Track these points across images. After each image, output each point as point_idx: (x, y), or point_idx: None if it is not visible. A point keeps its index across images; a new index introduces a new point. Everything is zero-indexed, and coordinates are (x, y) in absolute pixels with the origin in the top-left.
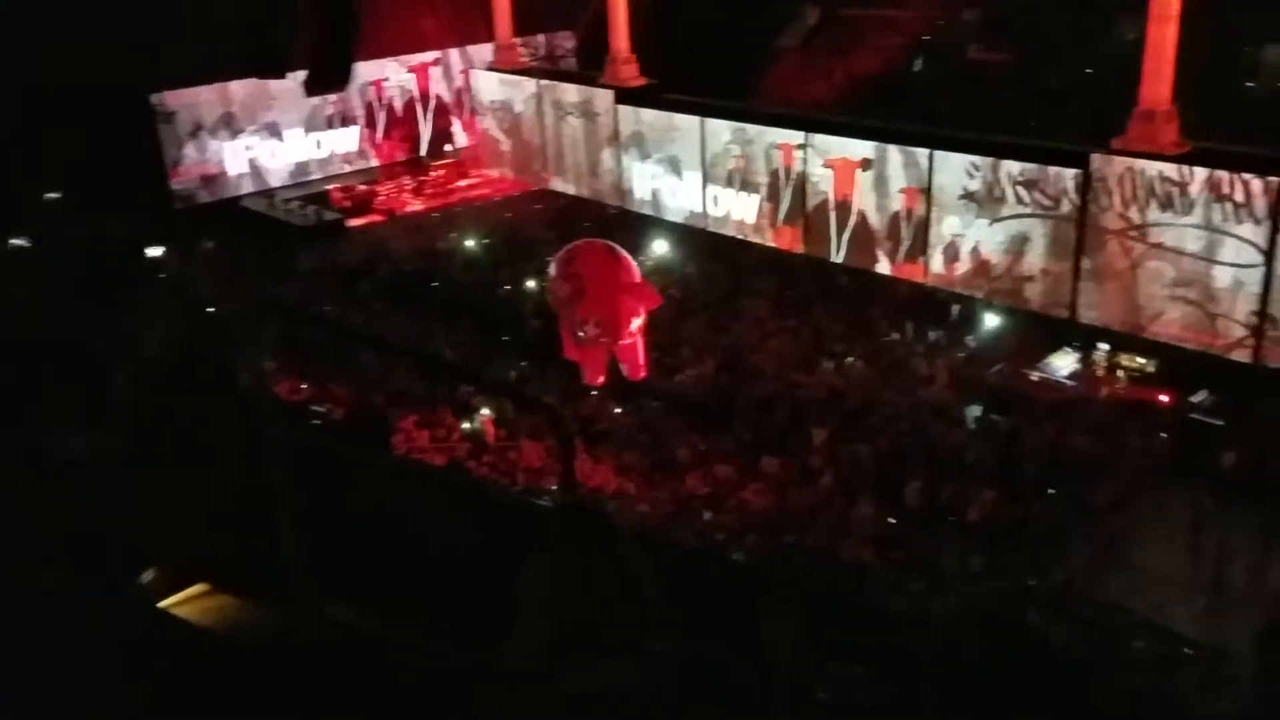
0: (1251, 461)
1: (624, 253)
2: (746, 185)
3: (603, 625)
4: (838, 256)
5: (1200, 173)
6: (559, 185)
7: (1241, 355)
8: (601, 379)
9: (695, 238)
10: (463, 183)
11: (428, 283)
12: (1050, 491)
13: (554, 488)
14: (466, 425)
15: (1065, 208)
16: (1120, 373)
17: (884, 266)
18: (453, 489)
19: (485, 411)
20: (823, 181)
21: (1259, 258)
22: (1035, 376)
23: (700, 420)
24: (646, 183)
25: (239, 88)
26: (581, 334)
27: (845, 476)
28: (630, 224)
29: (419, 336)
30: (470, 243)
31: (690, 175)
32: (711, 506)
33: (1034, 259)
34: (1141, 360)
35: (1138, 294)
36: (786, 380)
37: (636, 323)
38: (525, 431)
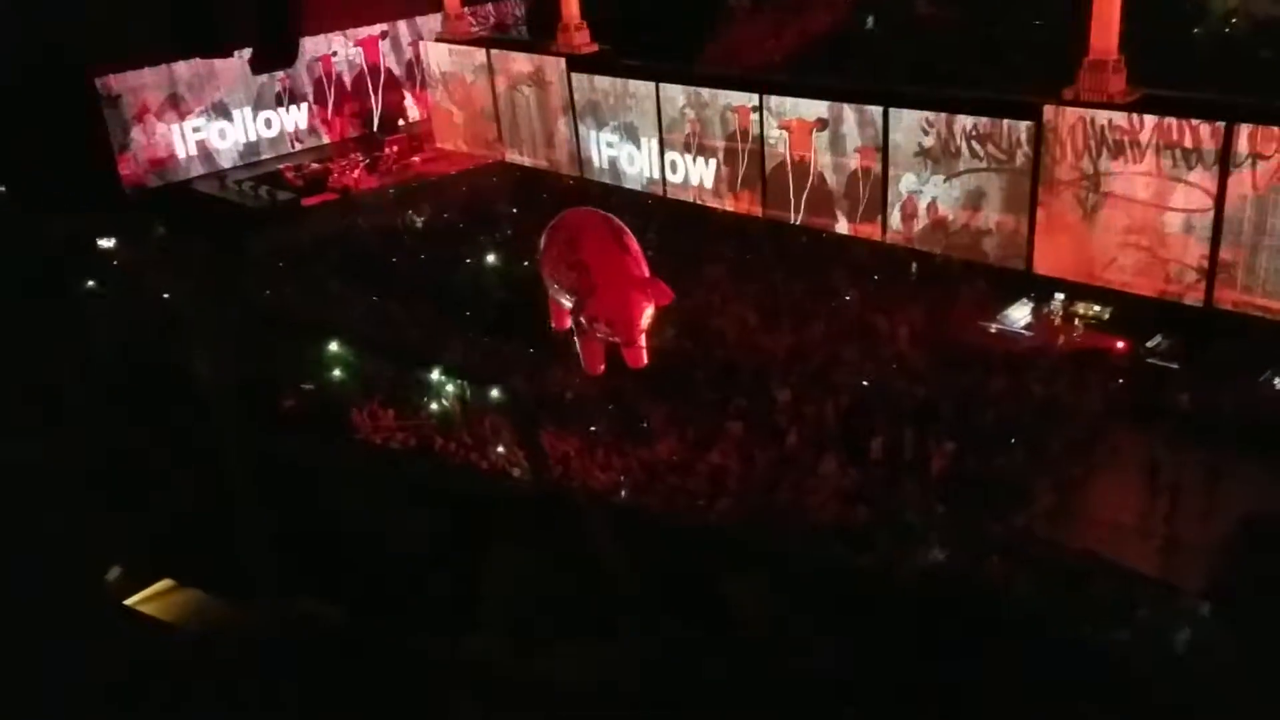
0: (1205, 403)
1: (626, 231)
2: (703, 150)
3: (570, 609)
4: (796, 218)
5: (1150, 120)
6: (515, 157)
7: (1194, 299)
8: (602, 368)
9: (654, 205)
10: (417, 158)
11: (385, 260)
12: (1011, 441)
13: (520, 466)
14: (429, 408)
15: (1019, 160)
16: (1077, 321)
17: (843, 226)
18: (415, 474)
19: (449, 391)
20: (779, 143)
21: (1208, 202)
22: (994, 329)
23: (667, 389)
24: (603, 151)
25: (185, 68)
26: (593, 330)
27: (810, 434)
28: (589, 194)
29: (378, 316)
30: (427, 218)
31: (647, 142)
32: (680, 472)
33: (990, 213)
34: (1097, 308)
35: (1092, 243)
36: (749, 344)
37: (647, 317)
38: (489, 412)
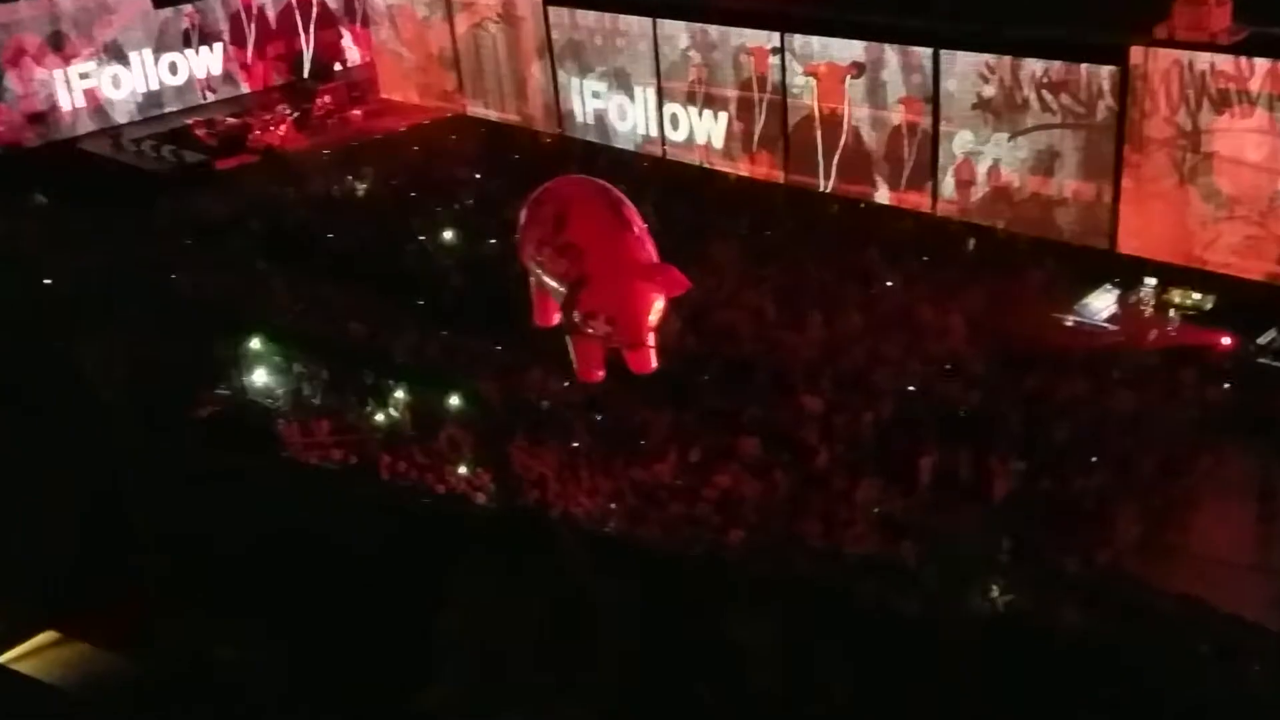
0: None
1: (628, 204)
2: (711, 102)
3: (536, 661)
4: (826, 185)
5: (1261, 65)
6: (478, 110)
7: None
8: (600, 374)
9: (650, 169)
10: (357, 111)
11: (320, 237)
12: (1091, 459)
13: (486, 490)
14: (373, 418)
15: (1100, 114)
16: (1171, 312)
17: (883, 195)
18: (358, 497)
19: (398, 398)
20: (805, 93)
21: None
22: (1069, 321)
23: (667, 395)
24: (588, 103)
25: (69, 1)
26: (588, 329)
27: (844, 452)
28: (570, 155)
29: (311, 304)
30: (370, 185)
31: (642, 92)
32: (682, 499)
33: (1064, 179)
34: (1196, 296)
35: (1189, 217)
36: (768, 340)
37: (656, 313)
38: (450, 421)
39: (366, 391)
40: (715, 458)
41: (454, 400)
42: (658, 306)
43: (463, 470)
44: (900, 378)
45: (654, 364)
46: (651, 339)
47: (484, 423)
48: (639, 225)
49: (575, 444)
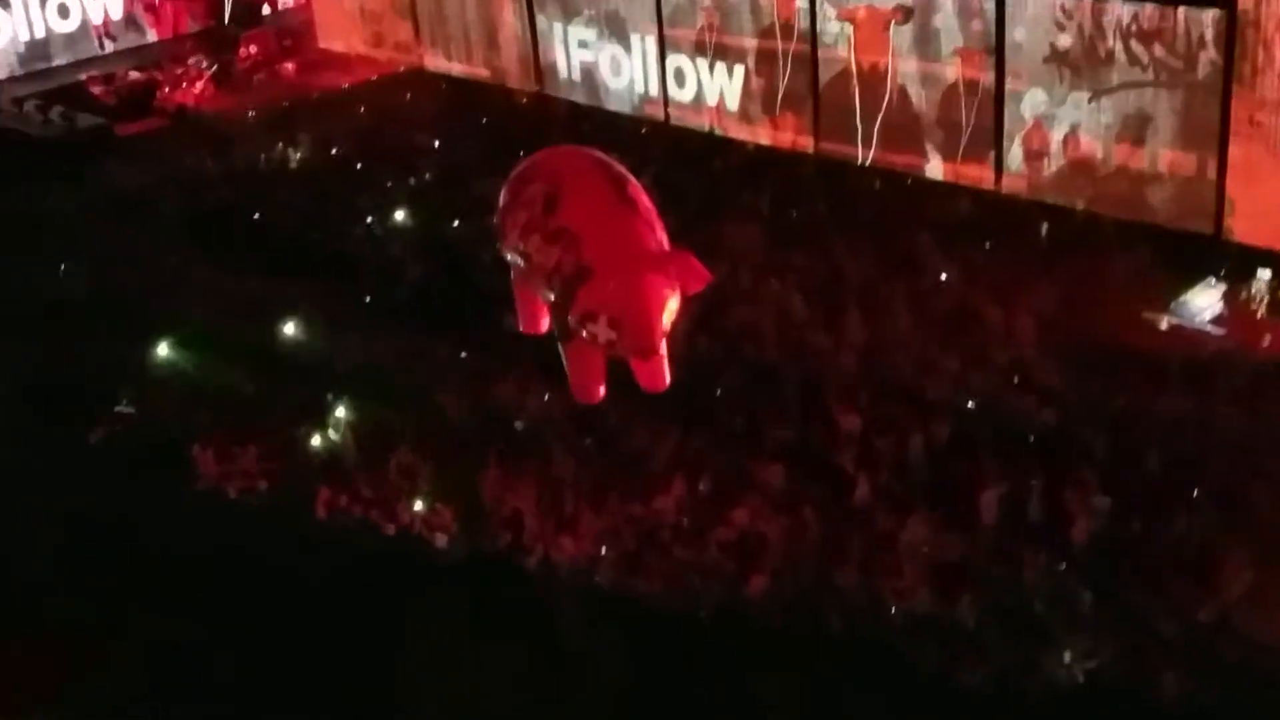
0: None
1: (632, 181)
2: (725, 53)
3: None
4: (865, 156)
5: None
6: (439, 63)
7: None
8: (601, 390)
9: (652, 135)
10: (290, 64)
11: (244, 218)
12: (1193, 493)
13: (446, 533)
14: (309, 441)
15: (1203, 70)
16: None
17: (935, 168)
18: (292, 534)
19: (339, 417)
20: (839, 43)
21: None
22: (1165, 323)
23: (672, 411)
24: (574, 55)
25: None
26: (587, 334)
27: (889, 482)
28: (552, 117)
29: (234, 301)
30: (306, 155)
31: (640, 41)
32: (691, 540)
33: (1159, 148)
34: None
35: None
36: (795, 344)
37: (670, 313)
38: (400, 447)
39: (300, 409)
40: (731, 489)
41: (408, 419)
42: (672, 305)
43: (418, 506)
44: (957, 391)
45: (667, 379)
46: (664, 347)
47: (445, 447)
48: (646, 206)
49: (558, 473)
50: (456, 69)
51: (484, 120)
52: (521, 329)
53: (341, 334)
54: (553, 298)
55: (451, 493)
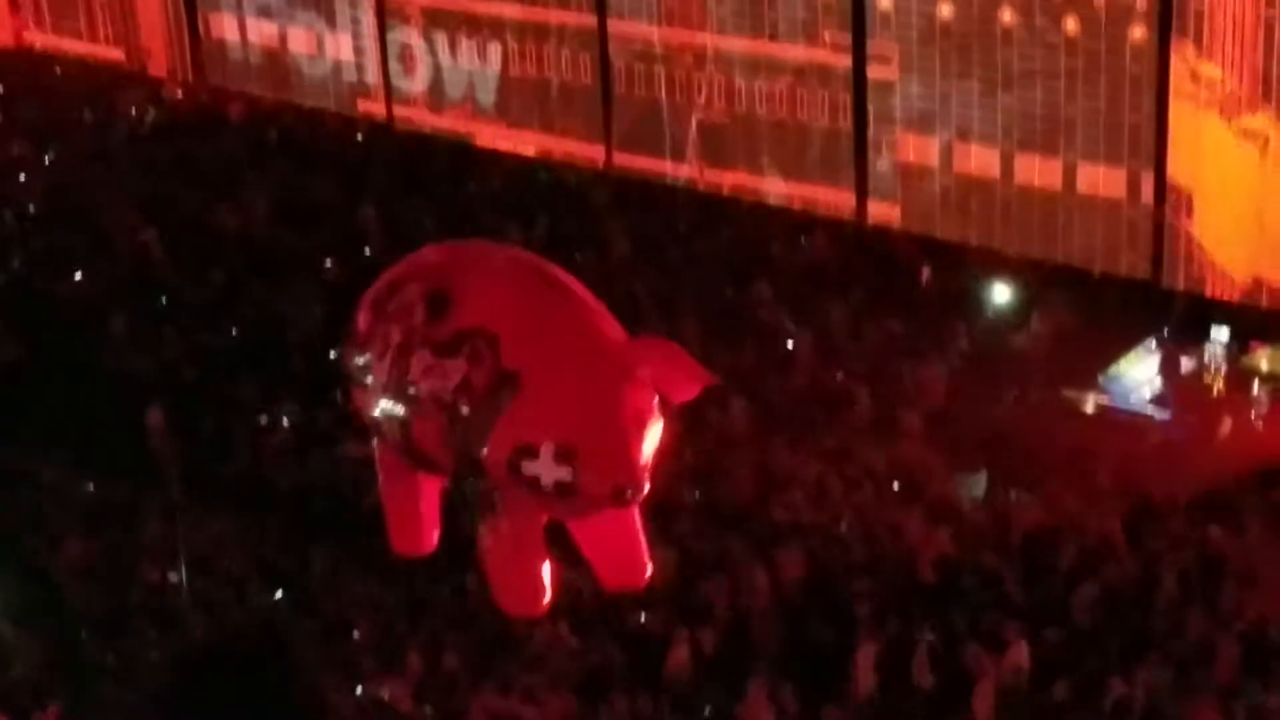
0: None
1: (556, 266)
2: (475, 28)
3: None
4: (679, 173)
5: None
6: (47, 41)
7: None
8: (546, 600)
9: (367, 143)
10: None
11: None
12: (1135, 646)
13: None
14: None
15: (1132, 48)
16: (1257, 385)
17: (775, 190)
18: None
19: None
20: (644, 14)
21: None
22: (1090, 404)
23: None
24: (250, 28)
25: None
26: (526, 483)
27: (717, 647)
28: (217, 120)
29: None
30: None
31: (350, 9)
32: None
33: (1078, 160)
34: None
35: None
36: None
37: (654, 436)
38: None
39: None
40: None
41: None
42: (656, 425)
43: None
44: (814, 510)
45: (647, 574)
46: (639, 525)
47: None
48: (582, 288)
49: None
50: (77, 50)
51: (122, 122)
52: (395, 545)
53: None
54: (459, 439)
55: None
